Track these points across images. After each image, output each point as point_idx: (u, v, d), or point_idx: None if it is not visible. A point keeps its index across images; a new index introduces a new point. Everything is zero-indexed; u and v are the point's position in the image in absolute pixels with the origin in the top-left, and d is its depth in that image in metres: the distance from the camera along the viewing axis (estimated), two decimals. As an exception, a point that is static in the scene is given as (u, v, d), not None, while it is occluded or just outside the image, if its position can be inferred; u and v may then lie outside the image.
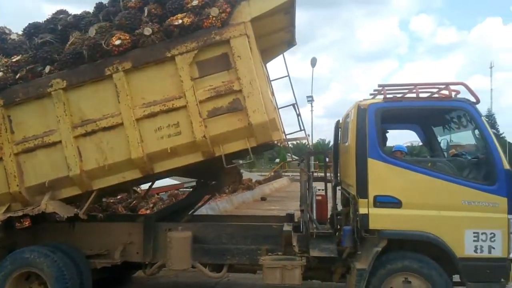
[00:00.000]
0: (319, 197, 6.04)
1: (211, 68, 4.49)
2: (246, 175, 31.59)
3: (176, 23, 4.49)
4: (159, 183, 16.30)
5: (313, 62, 26.46)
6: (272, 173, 33.97)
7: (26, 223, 5.66)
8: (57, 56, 4.78)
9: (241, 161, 4.82)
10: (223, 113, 4.50)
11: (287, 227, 5.03)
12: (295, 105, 5.80)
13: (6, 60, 4.95)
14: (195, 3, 4.60)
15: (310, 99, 26.74)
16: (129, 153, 4.56)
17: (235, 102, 4.48)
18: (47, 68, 4.75)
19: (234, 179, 6.05)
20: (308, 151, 7.08)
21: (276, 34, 5.74)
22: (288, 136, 5.96)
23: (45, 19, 5.31)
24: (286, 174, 32.62)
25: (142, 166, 4.62)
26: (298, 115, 5.85)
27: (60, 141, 4.67)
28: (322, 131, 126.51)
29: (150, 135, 4.55)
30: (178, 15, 4.55)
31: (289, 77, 6.01)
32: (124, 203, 10.71)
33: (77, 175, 4.66)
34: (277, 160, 72.98)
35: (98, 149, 4.63)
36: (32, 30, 5.19)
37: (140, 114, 4.54)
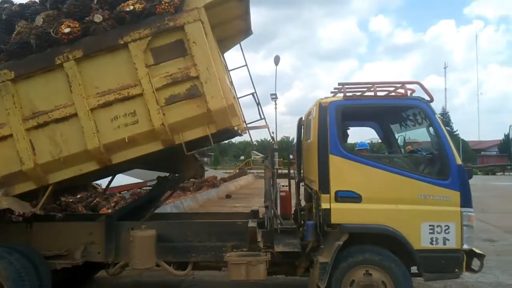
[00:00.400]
0: (283, 193, 6.15)
1: (166, 54, 4.44)
2: (211, 172, 31.61)
3: (128, 9, 4.41)
4: (121, 182, 15.99)
5: (276, 60, 26.68)
6: (237, 170, 34.06)
7: None
8: (2, 46, 4.63)
9: (203, 149, 4.75)
10: (181, 100, 4.46)
11: (251, 224, 5.07)
12: (254, 94, 5.83)
13: None
14: None
15: (274, 97, 26.90)
16: (84, 144, 4.46)
17: (193, 88, 4.44)
18: None
19: (196, 172, 5.99)
20: (272, 148, 7.14)
21: (232, 23, 5.74)
22: (249, 125, 5.96)
23: None
24: (251, 171, 32.79)
25: (99, 157, 4.52)
26: (258, 103, 5.86)
27: (11, 135, 4.52)
28: (286, 128, 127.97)
29: (106, 125, 4.45)
30: (129, 1, 4.48)
31: (247, 66, 6.03)
32: (84, 202, 10.43)
33: (30, 169, 4.52)
34: (242, 157, 73.26)
35: (52, 141, 4.51)
36: None
37: (94, 104, 4.43)
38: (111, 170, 5.62)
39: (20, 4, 5.00)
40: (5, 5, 5.08)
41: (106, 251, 5.15)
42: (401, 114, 5.35)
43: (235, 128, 4.88)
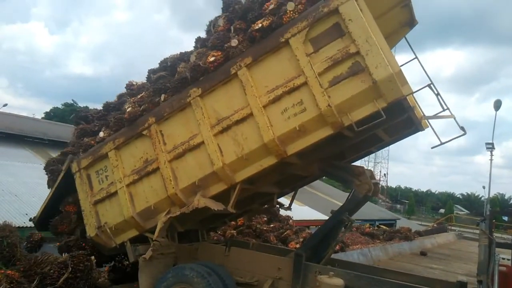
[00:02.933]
0: (503, 268, 4.95)
1: (325, 40, 4.50)
2: (403, 222, 29.21)
3: (257, 28, 4.81)
4: (310, 215, 16.13)
5: (497, 104, 23.14)
6: (435, 225, 30.50)
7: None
8: (168, 85, 5.50)
9: (376, 121, 4.32)
10: (344, 79, 4.34)
11: None
12: (431, 85, 4.77)
13: (133, 98, 5.95)
14: (271, 6, 4.88)
15: (490, 147, 23.30)
16: (261, 138, 4.69)
17: (355, 65, 4.32)
18: (162, 97, 5.49)
19: (367, 190, 5.35)
20: (493, 209, 5.93)
21: (391, 13, 5.35)
22: (430, 116, 5.03)
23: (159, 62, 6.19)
24: (452, 228, 28.81)
25: (275, 150, 4.66)
26: (437, 94, 4.84)
27: (203, 142, 5.06)
28: (500, 184, 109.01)
29: (278, 117, 4.65)
30: (258, 21, 4.89)
31: (418, 59, 5.37)
32: (276, 233, 10.87)
33: (220, 169, 4.92)
34: (442, 210, 65.73)
35: (235, 142, 4.88)
36: (151, 74, 6.15)
37: (265, 101, 4.71)
38: (289, 181, 5.89)
39: (180, 53, 5.97)
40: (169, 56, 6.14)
41: (292, 290, 5.07)
42: None
43: (411, 110, 4.66)
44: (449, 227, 28.37)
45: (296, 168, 5.39)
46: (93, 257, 5.38)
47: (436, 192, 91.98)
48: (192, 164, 5.16)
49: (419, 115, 5.34)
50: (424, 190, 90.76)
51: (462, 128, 4.68)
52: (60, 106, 42.37)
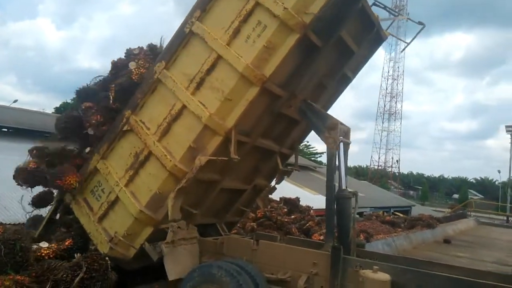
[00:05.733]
0: None
1: None
2: (418, 209, 28.54)
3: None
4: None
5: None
6: (449, 210, 29.90)
7: None
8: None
9: None
10: None
11: None
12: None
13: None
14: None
15: (510, 129, 22.53)
16: (236, 71, 4.67)
17: None
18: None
19: None
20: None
21: None
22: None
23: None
24: (471, 214, 28.14)
25: (253, 76, 4.62)
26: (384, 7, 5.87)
27: (183, 105, 4.96)
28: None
29: (244, 46, 4.68)
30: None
31: None
32: (297, 224, 10.43)
33: (208, 119, 4.78)
34: (455, 195, 64.84)
35: (213, 90, 4.83)
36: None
37: (227, 38, 4.75)
38: (284, 134, 5.99)
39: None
40: None
41: (331, 286, 4.62)
42: None
43: None
44: (469, 213, 27.71)
45: (282, 104, 5.35)
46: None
47: (449, 178, 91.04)
48: (181, 131, 5.03)
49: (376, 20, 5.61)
50: (437, 176, 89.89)
51: (420, 23, 5.79)
52: (69, 101, 42.17)
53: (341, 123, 5.36)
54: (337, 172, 5.19)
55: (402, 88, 66.52)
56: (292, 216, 10.82)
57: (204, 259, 5.32)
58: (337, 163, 5.17)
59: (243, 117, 4.80)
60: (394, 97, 66.82)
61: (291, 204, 11.63)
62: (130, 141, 5.36)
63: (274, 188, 6.97)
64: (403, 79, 74.36)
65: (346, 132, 5.55)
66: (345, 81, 6.24)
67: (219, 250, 5.45)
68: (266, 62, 4.63)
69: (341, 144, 5.24)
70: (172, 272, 4.85)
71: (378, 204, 22.30)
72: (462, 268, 5.25)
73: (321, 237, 9.42)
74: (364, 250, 5.65)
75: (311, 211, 11.57)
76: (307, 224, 10.30)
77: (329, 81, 5.85)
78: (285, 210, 10.94)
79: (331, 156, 5.12)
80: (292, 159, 6.82)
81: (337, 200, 5.10)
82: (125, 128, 5.36)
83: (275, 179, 6.79)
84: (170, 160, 4.95)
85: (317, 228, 10.22)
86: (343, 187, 5.17)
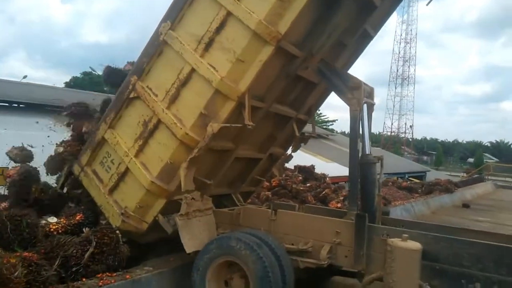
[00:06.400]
0: None
1: None
2: (433, 174, 28.15)
3: None
4: (342, 172, 15.44)
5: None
6: (465, 175, 29.44)
7: None
8: None
9: None
10: None
11: None
12: None
13: None
14: None
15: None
16: (249, 29, 4.26)
17: None
18: None
19: None
20: None
21: None
22: None
23: None
24: (488, 178, 27.65)
25: (267, 34, 4.21)
26: None
27: (192, 68, 4.57)
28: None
29: (256, 1, 4.28)
30: None
31: None
32: (313, 192, 10.17)
33: (220, 83, 4.40)
34: (470, 159, 64.00)
35: (224, 50, 4.44)
36: None
37: None
38: (301, 98, 5.63)
39: None
40: None
41: (355, 257, 4.34)
42: None
43: None
44: (487, 177, 27.22)
45: (299, 66, 4.94)
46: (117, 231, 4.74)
47: (464, 142, 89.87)
48: (191, 97, 4.65)
49: None
50: (451, 141, 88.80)
51: None
52: (79, 75, 41.82)
53: (364, 83, 4.95)
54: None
55: (415, 52, 64.73)
56: (308, 184, 10.53)
57: (220, 231, 5.09)
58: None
59: (256, 80, 4.42)
60: (407, 61, 65.28)
61: (306, 172, 11.31)
62: (137, 109, 5.03)
63: (290, 156, 6.68)
64: (416, 42, 72.11)
65: (370, 93, 5.14)
66: (365, 38, 5.71)
67: (236, 221, 5.20)
68: (280, 17, 4.21)
69: (365, 106, 4.85)
70: (189, 244, 4.62)
71: (393, 170, 21.98)
72: (496, 234, 4.90)
73: (338, 205, 9.18)
74: (390, 218, 5.34)
75: (327, 178, 11.27)
76: (324, 192, 10.01)
77: (348, 39, 5.36)
78: (300, 178, 10.64)
79: (354, 118, 4.74)
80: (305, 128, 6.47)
81: (361, 165, 4.77)
82: (131, 95, 5.02)
83: (291, 146, 6.48)
84: (181, 128, 4.63)
85: (334, 195, 9.95)
86: (367, 152, 4.83)
